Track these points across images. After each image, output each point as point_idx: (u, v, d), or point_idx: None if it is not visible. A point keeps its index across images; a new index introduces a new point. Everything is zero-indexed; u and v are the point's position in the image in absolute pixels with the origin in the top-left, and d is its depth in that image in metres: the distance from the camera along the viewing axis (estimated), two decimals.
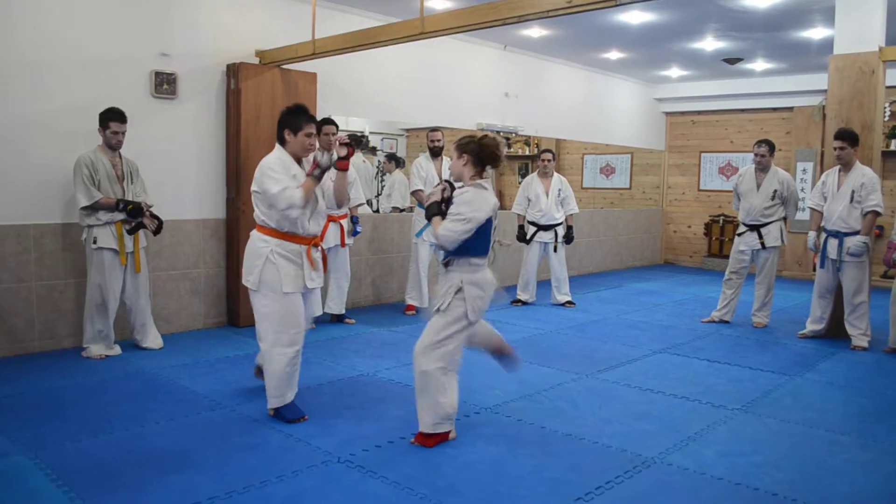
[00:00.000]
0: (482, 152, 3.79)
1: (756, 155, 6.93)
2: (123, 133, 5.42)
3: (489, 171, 3.93)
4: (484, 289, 3.77)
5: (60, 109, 5.53)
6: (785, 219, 6.96)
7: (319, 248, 4.30)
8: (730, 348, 6.12)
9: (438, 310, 3.74)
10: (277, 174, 4.00)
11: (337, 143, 4.12)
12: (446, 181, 3.92)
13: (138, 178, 5.59)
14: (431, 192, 3.89)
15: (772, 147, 6.92)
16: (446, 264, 3.80)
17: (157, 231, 5.56)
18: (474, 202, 3.70)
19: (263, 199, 4.04)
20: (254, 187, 4.10)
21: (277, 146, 4.19)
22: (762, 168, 6.93)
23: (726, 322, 7.21)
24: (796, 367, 5.54)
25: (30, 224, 5.45)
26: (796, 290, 9.36)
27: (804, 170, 10.71)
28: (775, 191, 6.85)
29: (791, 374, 5.31)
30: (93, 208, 5.30)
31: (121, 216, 5.38)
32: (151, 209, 5.53)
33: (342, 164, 4.11)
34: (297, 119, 4.12)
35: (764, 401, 4.66)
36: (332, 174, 4.27)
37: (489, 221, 3.78)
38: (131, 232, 5.45)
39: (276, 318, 4.07)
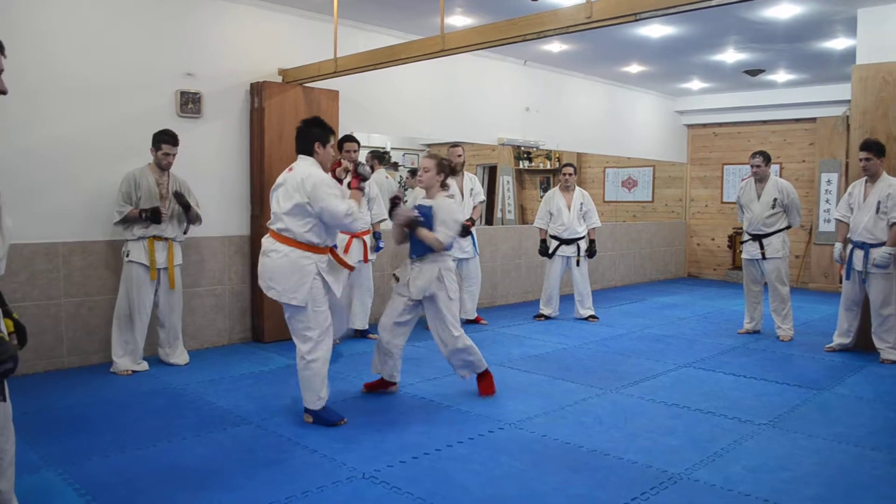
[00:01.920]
0: (452, 172, 4.93)
1: (752, 166, 7.01)
2: (174, 155, 5.57)
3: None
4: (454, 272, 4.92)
5: (88, 129, 5.63)
6: (789, 227, 6.96)
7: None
8: (756, 362, 6.06)
9: (429, 296, 4.74)
10: (334, 189, 4.20)
11: (348, 170, 4.36)
12: (396, 196, 4.84)
13: (189, 196, 5.69)
14: (400, 211, 4.70)
15: (767, 157, 6.98)
16: (421, 258, 4.75)
17: (185, 208, 5.61)
18: (454, 209, 4.80)
19: (313, 213, 4.17)
20: (297, 201, 4.16)
21: (308, 158, 4.31)
22: (759, 178, 6.99)
23: (758, 332, 7.23)
24: (824, 381, 5.48)
25: (58, 242, 5.54)
26: (823, 303, 9.26)
27: (829, 181, 10.61)
28: (775, 199, 6.86)
29: (819, 389, 5.25)
30: (125, 222, 5.42)
31: (153, 232, 5.47)
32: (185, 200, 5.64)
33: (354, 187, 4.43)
34: (325, 132, 4.33)
35: (791, 416, 4.61)
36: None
37: None
38: (154, 220, 5.48)
39: (323, 324, 4.29)
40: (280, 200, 4.23)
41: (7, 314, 2.35)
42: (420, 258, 4.77)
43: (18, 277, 5.28)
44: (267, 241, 4.31)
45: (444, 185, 4.84)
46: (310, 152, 4.32)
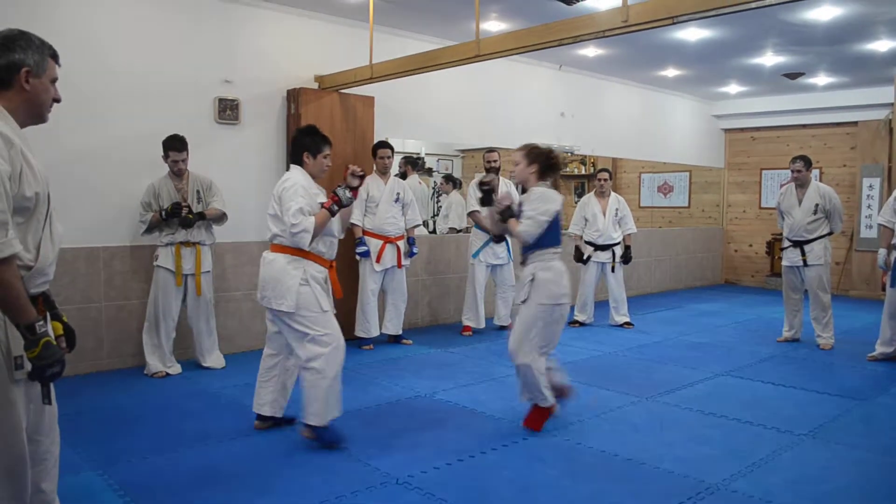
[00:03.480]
0: (550, 163, 4.36)
1: (793, 171, 6.87)
2: (184, 160, 5.59)
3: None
4: (556, 275, 4.30)
5: (130, 136, 5.74)
6: (831, 234, 6.82)
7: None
8: (795, 371, 5.95)
9: (523, 302, 4.33)
10: (299, 197, 3.97)
11: (350, 173, 4.12)
12: (485, 182, 4.63)
13: (210, 192, 5.71)
14: (501, 197, 4.41)
15: (808, 162, 6.84)
16: (523, 262, 4.39)
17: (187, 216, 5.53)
18: (545, 197, 4.26)
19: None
20: (275, 209, 4.05)
21: (297, 168, 4.16)
22: (801, 184, 6.86)
23: (797, 340, 7.09)
24: (866, 390, 5.36)
25: (99, 246, 5.65)
26: (865, 311, 9.06)
27: (871, 186, 10.39)
28: (817, 205, 6.74)
29: (861, 399, 5.13)
30: (151, 230, 5.51)
31: (181, 238, 5.55)
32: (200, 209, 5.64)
33: (353, 193, 4.13)
34: (316, 142, 4.15)
35: (832, 426, 4.51)
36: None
37: (558, 215, 4.31)
38: (194, 219, 5.54)
39: (328, 335, 4.02)
40: (269, 210, 4.14)
41: (56, 317, 2.40)
42: (524, 258, 4.43)
43: (62, 280, 5.39)
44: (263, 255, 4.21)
45: (542, 177, 4.36)
46: (299, 162, 4.17)
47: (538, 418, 4.38)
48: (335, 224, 4.16)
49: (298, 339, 4.03)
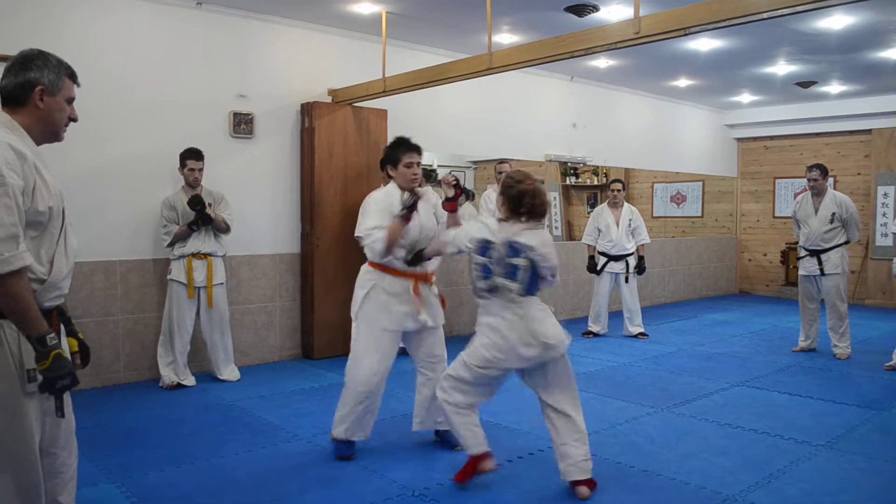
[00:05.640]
0: (531, 207, 3.48)
1: (809, 180, 6.84)
2: (200, 170, 5.66)
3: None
4: (489, 336, 3.53)
5: (146, 151, 5.80)
6: (847, 242, 6.77)
7: (433, 286, 4.21)
8: (812, 381, 5.91)
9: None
10: (373, 211, 3.98)
11: (444, 183, 4.03)
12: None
13: (221, 205, 5.76)
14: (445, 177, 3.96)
15: (824, 171, 6.82)
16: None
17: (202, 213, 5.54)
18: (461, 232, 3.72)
19: None
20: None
21: (391, 183, 4.14)
22: (817, 192, 6.83)
23: (813, 350, 7.04)
24: (884, 400, 5.31)
25: (116, 260, 5.70)
26: (881, 320, 8.99)
27: (885, 194, 10.33)
28: (833, 214, 6.69)
29: (878, 409, 5.09)
30: (174, 243, 5.57)
31: (192, 249, 5.59)
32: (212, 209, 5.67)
33: (450, 206, 3.97)
34: (394, 152, 4.09)
35: (850, 436, 4.48)
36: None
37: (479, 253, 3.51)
38: (203, 221, 5.55)
39: (363, 348, 4.07)
40: None
41: (72, 333, 2.42)
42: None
43: (79, 294, 5.44)
44: None
45: (514, 219, 3.53)
46: (389, 177, 4.19)
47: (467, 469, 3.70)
48: (411, 235, 3.98)
49: (351, 347, 4.17)
